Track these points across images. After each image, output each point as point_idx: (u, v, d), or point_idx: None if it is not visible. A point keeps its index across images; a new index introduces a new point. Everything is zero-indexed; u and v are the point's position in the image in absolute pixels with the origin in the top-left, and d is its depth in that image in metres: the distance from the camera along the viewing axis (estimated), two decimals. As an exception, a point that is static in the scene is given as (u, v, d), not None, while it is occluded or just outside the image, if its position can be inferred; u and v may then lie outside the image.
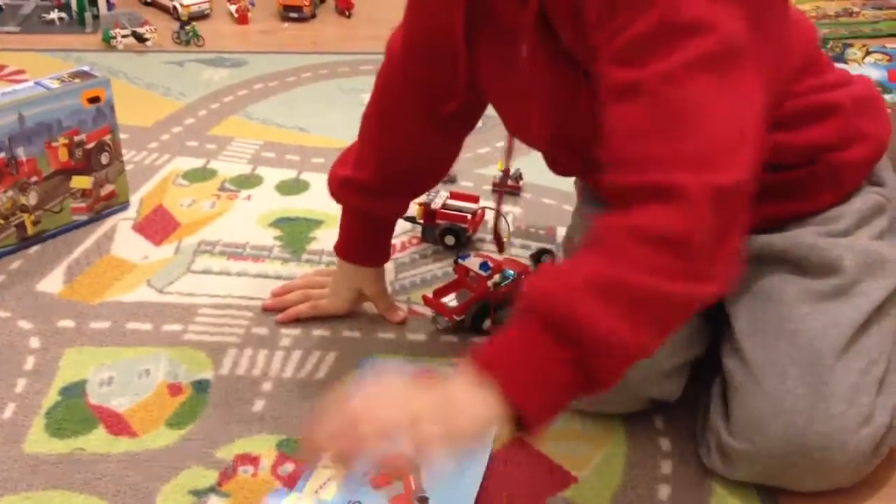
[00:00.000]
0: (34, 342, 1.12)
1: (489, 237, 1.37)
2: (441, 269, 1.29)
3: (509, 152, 1.20)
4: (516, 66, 0.92)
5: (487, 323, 1.15)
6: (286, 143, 1.64)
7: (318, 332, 1.15)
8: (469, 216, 1.33)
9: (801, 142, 0.94)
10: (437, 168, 1.15)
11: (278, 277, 1.26)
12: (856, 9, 2.28)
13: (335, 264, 1.21)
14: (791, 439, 0.87)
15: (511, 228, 1.37)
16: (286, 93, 1.85)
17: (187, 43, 2.09)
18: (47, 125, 1.28)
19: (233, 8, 2.24)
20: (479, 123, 1.14)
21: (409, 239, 1.36)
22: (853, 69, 1.84)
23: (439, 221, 1.33)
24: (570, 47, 0.86)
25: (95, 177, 1.36)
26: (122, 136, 1.43)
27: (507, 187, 1.48)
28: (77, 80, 1.31)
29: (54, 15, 2.19)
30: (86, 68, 1.36)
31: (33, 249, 1.31)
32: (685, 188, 0.71)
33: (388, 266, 1.20)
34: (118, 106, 1.36)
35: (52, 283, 1.24)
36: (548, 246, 1.31)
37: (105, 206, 1.39)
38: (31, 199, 1.30)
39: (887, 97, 1.73)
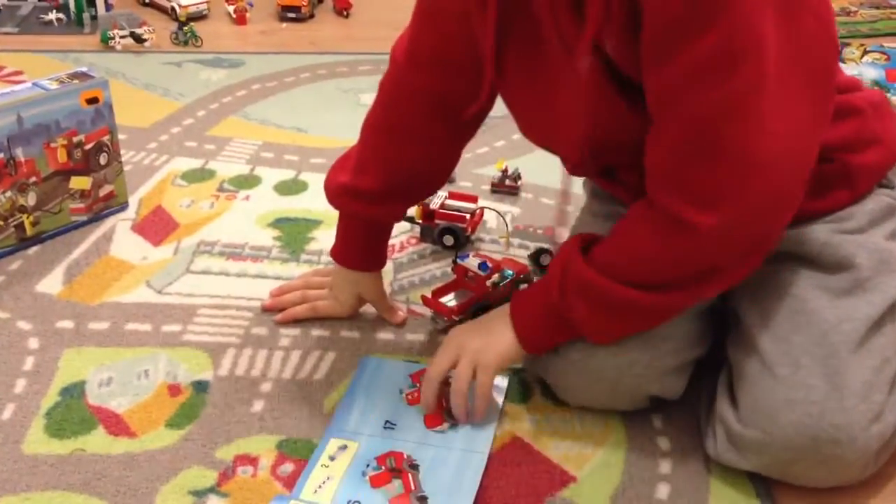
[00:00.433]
0: (33, 343, 1.12)
1: (488, 237, 1.37)
2: (440, 269, 1.29)
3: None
4: (548, 75, 0.93)
5: (486, 323, 1.15)
6: (285, 144, 1.64)
7: (317, 332, 1.16)
8: (467, 216, 1.33)
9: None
10: (440, 174, 1.15)
11: (277, 278, 1.26)
12: (853, 8, 2.29)
13: (333, 265, 1.21)
14: (804, 430, 0.87)
15: (510, 228, 1.37)
16: (285, 93, 1.86)
17: (185, 43, 2.09)
18: (46, 126, 1.28)
19: (231, 8, 2.24)
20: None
21: (407, 239, 1.36)
22: (851, 69, 1.84)
23: (438, 221, 1.33)
24: (616, 58, 0.86)
25: (94, 177, 1.36)
26: (121, 136, 1.43)
27: (506, 187, 1.48)
28: (75, 81, 1.31)
29: (52, 16, 2.19)
30: (84, 69, 1.36)
31: (32, 250, 1.31)
32: (701, 225, 0.84)
33: (387, 266, 1.20)
34: (116, 107, 1.36)
35: (51, 283, 1.24)
36: (546, 245, 1.31)
37: (104, 206, 1.39)
38: (30, 199, 1.30)
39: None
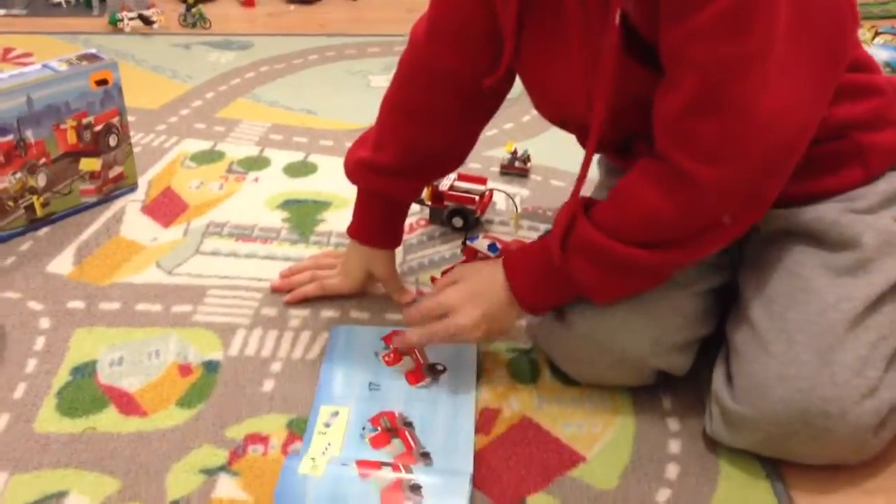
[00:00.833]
0: (44, 322, 1.13)
1: (497, 219, 1.37)
2: (449, 251, 1.29)
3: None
4: (567, 46, 0.93)
5: (495, 304, 1.15)
6: (294, 126, 1.64)
7: (326, 313, 1.16)
8: (477, 198, 1.33)
9: (836, 117, 0.94)
10: (457, 154, 1.15)
11: (286, 259, 1.26)
12: (865, -11, 2.27)
13: (344, 246, 1.21)
14: (793, 405, 0.87)
15: (519, 210, 1.37)
16: (293, 75, 1.85)
17: (194, 25, 2.09)
18: (55, 107, 1.28)
19: (239, -10, 2.24)
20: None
21: (416, 220, 1.36)
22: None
23: (447, 203, 1.33)
24: (636, 21, 0.87)
25: (104, 159, 1.36)
26: (130, 118, 1.43)
27: (516, 169, 1.48)
28: (84, 63, 1.31)
29: (61, -2, 2.19)
30: (93, 51, 1.36)
31: (43, 231, 1.31)
32: (701, 178, 0.85)
33: (397, 248, 1.20)
34: (125, 89, 1.36)
35: (61, 264, 1.24)
36: (556, 227, 1.31)
37: (114, 188, 1.39)
38: (40, 181, 1.30)
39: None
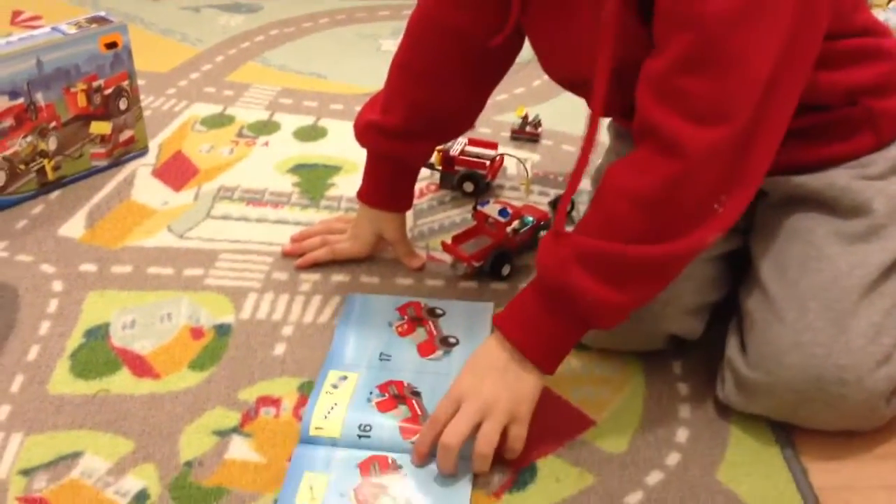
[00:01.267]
0: (57, 285, 1.14)
1: (508, 184, 1.36)
2: (459, 216, 1.29)
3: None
4: (575, 7, 0.92)
5: (507, 269, 1.15)
6: (304, 90, 1.63)
7: (337, 277, 1.16)
8: (487, 163, 1.33)
9: (844, 82, 0.93)
10: (466, 116, 1.14)
11: (297, 223, 1.26)
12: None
13: (354, 210, 1.21)
14: (809, 371, 0.87)
15: (530, 175, 1.37)
16: (303, 39, 1.84)
17: (203, -12, 2.07)
18: (65, 71, 1.28)
19: (248, -47, 2.22)
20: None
21: (427, 185, 1.35)
22: (878, 14, 1.81)
23: (458, 168, 1.33)
24: None
25: (114, 122, 1.36)
26: (140, 82, 1.42)
27: (526, 134, 1.47)
28: (94, 26, 1.30)
29: (69, -40, 2.17)
30: (102, 14, 1.35)
31: (54, 195, 1.32)
32: (691, 145, 0.81)
33: (407, 212, 1.20)
34: (134, 52, 1.35)
35: (73, 227, 1.25)
36: (567, 193, 1.30)
37: (124, 151, 1.39)
38: (51, 144, 1.30)
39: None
